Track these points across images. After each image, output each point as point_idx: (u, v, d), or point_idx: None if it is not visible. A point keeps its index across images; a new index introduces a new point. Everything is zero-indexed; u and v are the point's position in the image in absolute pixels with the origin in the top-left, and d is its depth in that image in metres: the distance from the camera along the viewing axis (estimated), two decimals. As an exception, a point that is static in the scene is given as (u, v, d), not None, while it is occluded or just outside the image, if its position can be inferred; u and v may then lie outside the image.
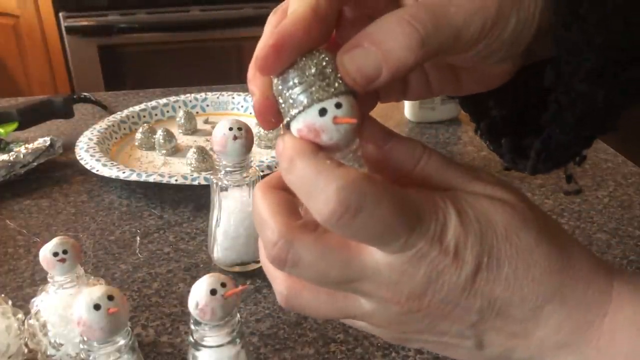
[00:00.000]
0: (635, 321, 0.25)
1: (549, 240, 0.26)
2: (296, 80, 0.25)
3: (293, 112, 0.25)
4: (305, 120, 0.24)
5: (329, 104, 0.24)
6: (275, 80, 0.26)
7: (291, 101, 0.25)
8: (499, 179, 0.27)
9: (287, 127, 0.25)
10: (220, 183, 0.54)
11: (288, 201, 0.26)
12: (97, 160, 0.74)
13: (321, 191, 0.23)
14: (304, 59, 0.25)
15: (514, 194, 0.27)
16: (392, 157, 0.27)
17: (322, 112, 0.24)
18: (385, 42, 0.24)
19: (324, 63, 0.25)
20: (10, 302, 0.46)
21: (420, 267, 0.24)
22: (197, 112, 0.93)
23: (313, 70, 0.24)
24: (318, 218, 0.23)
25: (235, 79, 1.14)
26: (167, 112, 0.93)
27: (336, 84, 0.24)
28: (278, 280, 0.27)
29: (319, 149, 0.24)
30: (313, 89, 0.24)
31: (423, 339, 0.27)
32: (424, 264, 0.24)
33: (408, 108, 0.92)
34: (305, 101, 0.24)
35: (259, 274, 0.56)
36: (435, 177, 0.27)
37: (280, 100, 0.25)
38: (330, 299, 0.26)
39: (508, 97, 0.33)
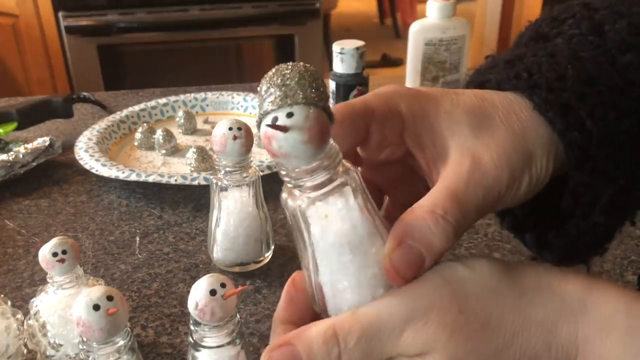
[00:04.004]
0: None
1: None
2: (263, 89, 0.25)
3: (257, 118, 0.25)
4: (262, 127, 0.25)
5: (281, 113, 0.24)
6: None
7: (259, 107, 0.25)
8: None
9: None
10: (220, 183, 0.54)
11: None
12: (96, 160, 0.74)
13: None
14: (274, 70, 0.25)
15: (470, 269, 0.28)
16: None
17: (274, 120, 0.24)
18: (426, 238, 0.27)
19: (289, 76, 0.25)
20: (9, 303, 0.46)
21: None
22: (196, 112, 0.93)
23: (278, 81, 0.25)
24: None
25: (235, 78, 1.14)
26: (167, 112, 0.93)
27: (295, 94, 0.24)
28: None
29: (282, 317, 0.30)
30: (272, 97, 0.24)
31: None
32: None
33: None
34: (266, 108, 0.25)
35: (259, 274, 0.56)
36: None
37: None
38: None
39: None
